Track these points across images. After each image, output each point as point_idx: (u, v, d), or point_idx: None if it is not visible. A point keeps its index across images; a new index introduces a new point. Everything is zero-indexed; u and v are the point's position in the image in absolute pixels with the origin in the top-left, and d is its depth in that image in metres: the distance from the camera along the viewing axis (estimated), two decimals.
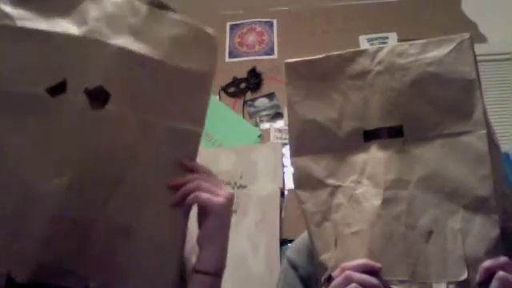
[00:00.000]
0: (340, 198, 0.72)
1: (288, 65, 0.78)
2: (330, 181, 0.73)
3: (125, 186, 0.67)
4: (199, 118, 0.72)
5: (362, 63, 0.74)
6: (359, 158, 0.72)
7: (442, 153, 0.68)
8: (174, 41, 0.71)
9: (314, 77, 0.76)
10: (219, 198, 0.70)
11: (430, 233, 0.66)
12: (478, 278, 0.62)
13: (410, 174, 0.69)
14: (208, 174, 0.72)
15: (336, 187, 0.73)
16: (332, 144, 0.73)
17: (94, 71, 0.66)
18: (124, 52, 0.68)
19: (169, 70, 0.70)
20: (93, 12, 0.69)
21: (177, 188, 0.70)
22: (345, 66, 0.74)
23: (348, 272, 0.66)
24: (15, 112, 0.65)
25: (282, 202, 1.69)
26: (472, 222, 0.65)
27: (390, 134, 0.71)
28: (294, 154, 0.76)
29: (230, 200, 0.72)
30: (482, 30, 2.02)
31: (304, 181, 0.74)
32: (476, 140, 0.67)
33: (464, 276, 0.63)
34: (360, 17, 2.14)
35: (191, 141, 0.72)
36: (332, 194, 0.72)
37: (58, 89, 0.65)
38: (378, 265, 0.66)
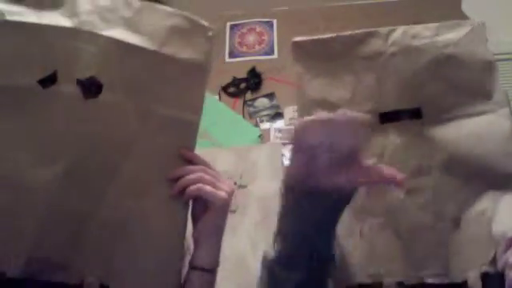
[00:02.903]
0: None
1: (296, 43, 0.75)
2: None
3: (121, 177, 0.65)
4: (196, 107, 0.71)
5: (374, 44, 0.71)
6: (377, 142, 0.69)
7: (463, 133, 0.66)
8: (169, 31, 0.71)
9: (324, 56, 0.73)
10: (222, 193, 0.68)
11: (458, 219, 0.63)
12: (501, 248, 0.58)
13: (432, 159, 0.66)
14: (209, 166, 0.70)
15: None
16: None
17: (86, 62, 0.66)
18: (117, 43, 0.67)
19: (163, 60, 0.70)
20: (84, 5, 0.69)
21: (176, 179, 0.67)
22: (356, 47, 0.72)
23: None
24: (5, 104, 0.65)
25: None
26: (500, 199, 0.62)
27: (408, 116, 0.68)
28: None
29: (231, 195, 0.70)
30: None
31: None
32: (499, 118, 0.65)
33: (491, 255, 0.60)
34: (360, 17, 2.13)
35: (189, 130, 0.71)
36: None
37: (50, 80, 0.65)
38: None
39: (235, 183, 1.69)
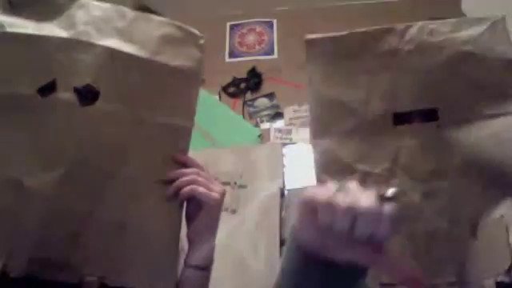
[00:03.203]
0: (372, 187, 0.64)
1: (309, 41, 0.72)
2: (360, 166, 0.67)
3: (118, 180, 0.68)
4: (189, 114, 0.74)
5: (390, 42, 0.68)
6: (391, 144, 0.66)
7: (481, 136, 0.63)
8: (161, 40, 0.73)
9: (337, 54, 0.71)
10: (214, 194, 0.72)
11: (475, 225, 0.61)
12: None
13: (448, 163, 0.63)
14: (201, 169, 0.73)
15: (367, 173, 0.67)
16: (360, 126, 0.68)
17: (82, 71, 0.70)
18: (112, 52, 0.70)
19: (157, 68, 0.72)
20: (80, 17, 0.72)
21: (171, 182, 0.70)
22: (371, 44, 0.69)
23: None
24: (5, 112, 0.67)
25: (281, 202, 1.69)
26: None
27: (423, 118, 0.65)
28: (317, 135, 0.70)
29: (223, 196, 0.73)
30: None
31: (330, 165, 0.69)
32: None
33: (508, 264, 0.57)
34: (360, 17, 2.14)
35: (182, 136, 0.73)
36: (363, 181, 0.64)
37: (48, 88, 0.67)
38: None
39: (235, 183, 1.69)
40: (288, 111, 1.94)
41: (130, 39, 0.71)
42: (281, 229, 1.84)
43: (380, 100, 0.67)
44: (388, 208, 0.49)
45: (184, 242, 0.75)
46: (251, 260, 1.60)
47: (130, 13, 0.74)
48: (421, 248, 0.62)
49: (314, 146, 0.71)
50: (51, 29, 0.70)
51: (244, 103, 1.98)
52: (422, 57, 0.66)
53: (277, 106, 1.96)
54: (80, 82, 0.67)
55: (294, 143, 1.84)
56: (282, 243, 1.81)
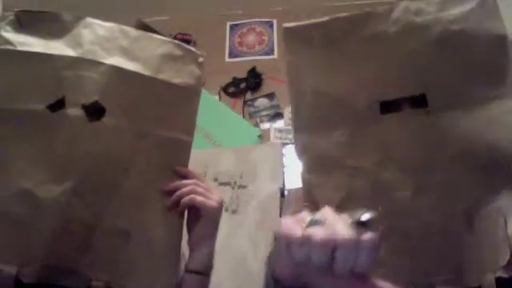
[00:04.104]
0: (362, 182, 0.62)
1: (287, 29, 0.67)
2: (349, 161, 0.63)
3: (122, 191, 0.73)
4: (189, 128, 0.78)
5: (375, 25, 0.64)
6: (379, 135, 0.61)
7: (476, 121, 0.58)
8: (162, 58, 0.77)
9: (319, 43, 0.66)
10: (212, 202, 0.76)
11: (471, 220, 0.56)
12: None
13: (440, 152, 0.58)
14: (200, 179, 0.77)
15: (356, 169, 0.62)
16: (346, 118, 0.63)
17: (90, 88, 0.72)
18: (117, 70, 0.73)
19: (159, 85, 0.75)
20: (86, 36, 0.75)
21: (171, 192, 0.74)
22: (355, 30, 0.65)
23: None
24: (18, 128, 0.71)
25: (281, 202, 1.69)
26: None
27: (411, 105, 0.61)
28: (301, 130, 0.66)
29: (221, 204, 0.78)
30: None
31: (317, 163, 0.65)
32: None
33: (507, 258, 0.55)
34: None
35: (182, 149, 0.77)
36: (353, 177, 0.62)
37: (58, 105, 0.71)
38: None
39: (235, 183, 1.69)
40: (288, 111, 1.94)
41: (133, 57, 0.75)
42: None
43: (366, 89, 0.62)
44: (367, 237, 0.46)
45: (185, 249, 0.78)
46: (251, 260, 1.60)
47: (132, 32, 0.77)
48: (416, 245, 0.58)
49: (297, 142, 0.67)
50: (59, 47, 0.73)
51: (244, 103, 1.98)
52: (408, 38, 0.61)
53: (277, 106, 1.97)
54: (87, 99, 0.71)
55: (294, 143, 1.85)
56: None
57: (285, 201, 1.87)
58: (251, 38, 2.19)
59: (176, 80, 0.77)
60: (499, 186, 0.57)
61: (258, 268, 1.60)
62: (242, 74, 2.05)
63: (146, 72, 0.75)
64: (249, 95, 2.01)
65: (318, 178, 0.65)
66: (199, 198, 0.74)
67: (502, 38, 0.59)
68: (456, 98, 0.59)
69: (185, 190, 0.74)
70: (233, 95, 2.01)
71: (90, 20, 0.77)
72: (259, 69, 2.06)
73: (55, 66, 0.72)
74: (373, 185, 0.61)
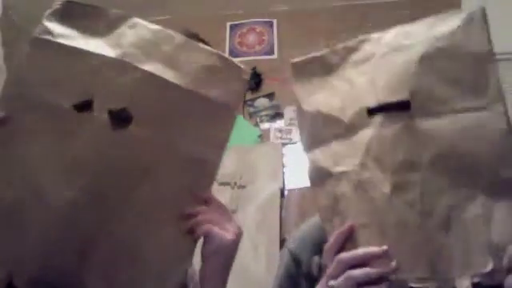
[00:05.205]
0: (344, 186, 0.65)
1: (295, 65, 0.74)
2: (336, 168, 0.67)
3: (135, 207, 0.68)
4: (219, 148, 0.72)
5: (367, 49, 0.70)
6: (364, 137, 0.65)
7: (456, 129, 0.61)
8: (203, 70, 0.72)
9: (321, 72, 0.72)
10: (229, 235, 0.70)
11: (448, 220, 0.59)
12: (506, 265, 0.55)
13: (421, 154, 0.62)
14: (221, 207, 0.72)
15: (341, 173, 0.66)
16: (337, 131, 0.68)
17: (121, 93, 0.69)
18: (152, 77, 0.69)
19: (194, 99, 0.71)
20: (129, 37, 0.72)
21: (188, 217, 0.70)
22: (350, 56, 0.71)
23: (348, 273, 0.59)
24: (41, 120, 0.68)
25: (282, 202, 1.69)
26: (494, 207, 0.58)
27: (396, 108, 0.64)
28: (306, 149, 0.71)
29: (239, 237, 0.73)
30: None
31: (315, 175, 0.69)
32: (492, 116, 0.60)
33: (489, 267, 0.56)
34: (360, 17, 2.14)
35: (207, 171, 0.72)
36: (338, 182, 0.66)
37: (85, 106, 0.68)
38: (380, 249, 0.60)
39: (235, 183, 1.69)
40: (288, 111, 1.95)
41: (173, 65, 0.71)
42: (281, 229, 1.85)
43: (355, 102, 0.67)
44: None
45: (195, 267, 0.75)
46: (251, 260, 1.60)
47: (178, 38, 0.73)
48: (391, 242, 0.61)
49: (308, 161, 0.72)
50: (99, 45, 0.71)
51: (244, 103, 1.99)
52: (396, 55, 0.66)
53: (277, 106, 1.97)
54: (116, 105, 0.68)
55: (294, 143, 1.85)
56: (281, 243, 1.81)
57: (285, 201, 1.88)
58: (251, 38, 2.19)
59: (214, 95, 0.71)
60: (475, 194, 0.59)
61: (257, 268, 1.60)
62: None
63: (183, 83, 0.70)
64: (249, 95, 2.01)
65: (315, 190, 0.69)
66: (216, 230, 0.69)
67: (487, 54, 0.63)
68: (438, 107, 0.63)
69: (203, 217, 0.69)
70: None
71: (136, 20, 0.73)
72: (259, 69, 2.06)
73: (90, 64, 0.69)
74: (354, 186, 0.65)
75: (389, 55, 0.67)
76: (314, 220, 0.78)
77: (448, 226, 0.59)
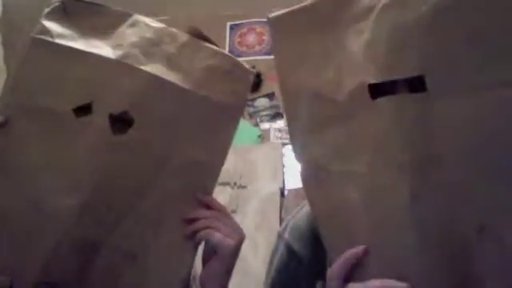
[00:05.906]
0: (349, 191, 0.52)
1: (274, 22, 0.60)
2: (337, 166, 0.54)
3: (137, 212, 0.66)
4: (221, 152, 0.70)
5: (364, 1, 0.54)
6: (369, 125, 0.51)
7: (487, 111, 0.46)
8: (208, 71, 0.70)
9: (307, 30, 0.58)
10: (230, 240, 0.69)
11: (481, 228, 0.46)
12: None
13: (442, 147, 0.47)
14: (223, 212, 0.71)
15: (344, 173, 0.53)
16: (334, 112, 0.54)
17: (121, 96, 0.66)
18: (154, 79, 0.67)
19: (197, 101, 0.68)
20: (130, 36, 0.69)
21: (190, 222, 0.69)
22: (343, 9, 0.56)
23: None
24: (38, 126, 0.66)
25: (281, 202, 1.69)
26: None
27: (408, 88, 0.49)
28: (294, 139, 0.60)
29: (241, 241, 0.72)
30: None
31: (309, 174, 0.58)
32: None
33: None
34: None
35: (210, 175, 0.70)
36: (339, 186, 0.53)
37: (84, 110, 0.66)
38: (403, 286, 0.47)
39: (235, 183, 1.69)
40: None
41: (175, 66, 0.69)
42: None
43: (351, 75, 0.52)
44: None
45: (197, 269, 0.74)
46: (251, 260, 1.60)
47: (182, 37, 0.71)
48: (413, 266, 0.48)
49: (297, 154, 0.60)
50: (99, 45, 0.68)
51: None
52: (401, 10, 0.49)
53: (277, 106, 1.97)
54: (117, 108, 0.66)
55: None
56: None
57: (285, 201, 1.87)
58: (251, 38, 2.19)
59: (217, 97, 0.69)
60: None
61: (257, 268, 1.60)
62: None
63: (186, 84, 0.68)
64: (249, 95, 2.01)
65: (309, 193, 0.59)
66: (217, 235, 0.68)
67: None
68: (462, 80, 0.47)
69: (204, 222, 0.68)
70: None
71: (138, 18, 0.71)
72: (259, 69, 2.06)
73: (89, 66, 0.66)
74: (364, 191, 0.52)
75: (391, 9, 0.51)
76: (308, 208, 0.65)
77: (481, 235, 0.45)
